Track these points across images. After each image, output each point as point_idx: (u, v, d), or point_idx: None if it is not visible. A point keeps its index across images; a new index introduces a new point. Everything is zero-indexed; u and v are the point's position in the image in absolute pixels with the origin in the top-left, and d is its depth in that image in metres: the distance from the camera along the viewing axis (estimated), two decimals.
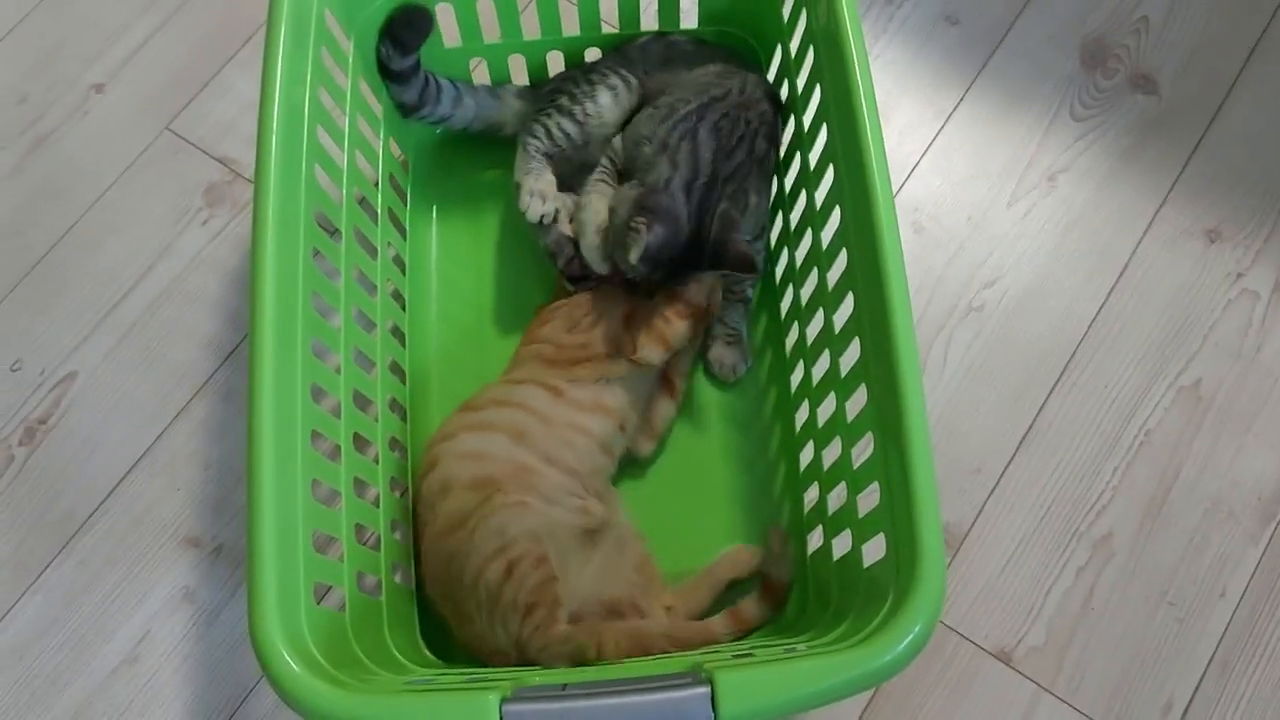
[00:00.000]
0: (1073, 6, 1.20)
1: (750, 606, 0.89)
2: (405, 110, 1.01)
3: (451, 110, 1.03)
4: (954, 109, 1.15)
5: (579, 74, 1.00)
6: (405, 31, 0.94)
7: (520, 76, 1.08)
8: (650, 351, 0.90)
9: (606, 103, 0.97)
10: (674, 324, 0.90)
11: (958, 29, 1.19)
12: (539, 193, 0.95)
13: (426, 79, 1.00)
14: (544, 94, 1.01)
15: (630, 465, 0.97)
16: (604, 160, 0.97)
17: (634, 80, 0.98)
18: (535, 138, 0.98)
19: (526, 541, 0.81)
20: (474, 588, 0.82)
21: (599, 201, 0.93)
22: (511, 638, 0.81)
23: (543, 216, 0.95)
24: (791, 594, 0.92)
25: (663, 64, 0.99)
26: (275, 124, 0.77)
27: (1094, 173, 1.12)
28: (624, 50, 1.02)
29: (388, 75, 0.98)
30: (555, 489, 0.86)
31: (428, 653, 0.89)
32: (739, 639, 0.88)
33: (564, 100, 0.98)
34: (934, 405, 1.02)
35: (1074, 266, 1.08)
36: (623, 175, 0.95)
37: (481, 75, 1.08)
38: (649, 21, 1.04)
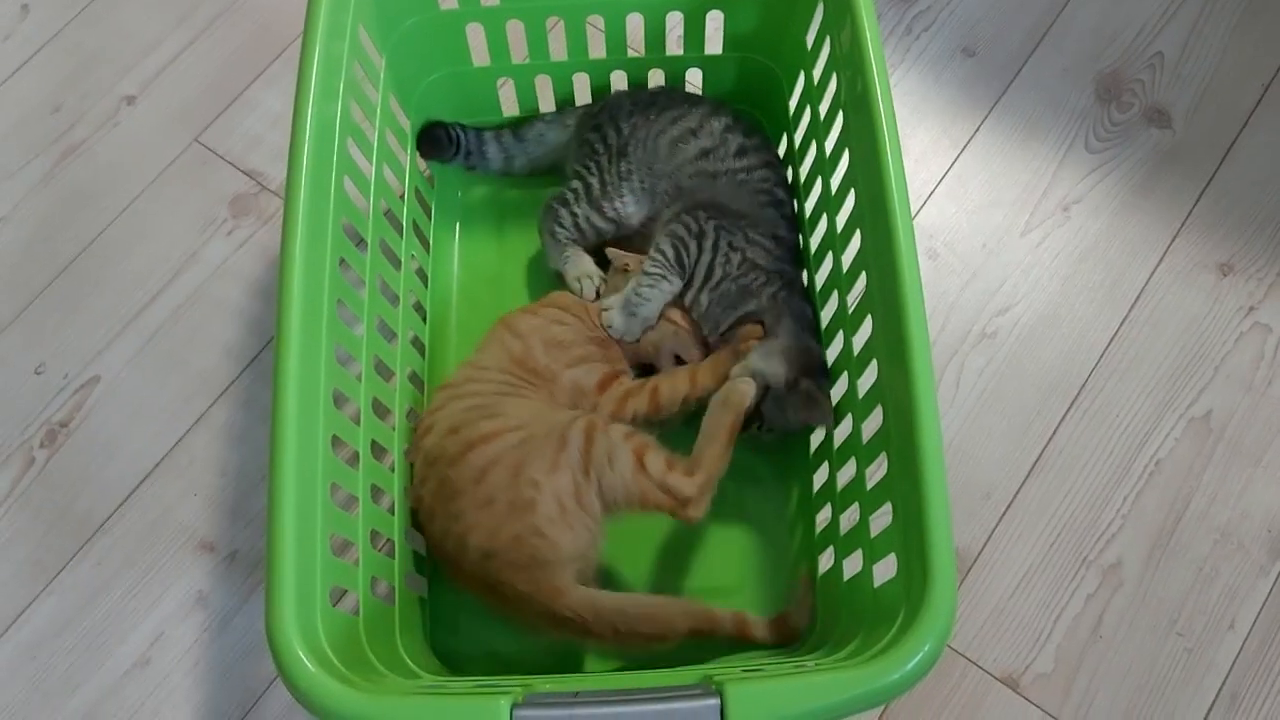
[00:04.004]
0: (1088, 41, 1.22)
1: (759, 624, 0.88)
2: (464, 167, 1.10)
3: (504, 169, 1.10)
4: (970, 138, 1.17)
5: (594, 147, 1.03)
6: (429, 148, 1.07)
7: (546, 96, 1.10)
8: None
9: (630, 201, 1.02)
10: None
11: (974, 61, 1.21)
12: (586, 275, 1.02)
13: (468, 151, 1.08)
14: (573, 156, 1.05)
15: None
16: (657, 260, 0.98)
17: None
18: (562, 226, 1.03)
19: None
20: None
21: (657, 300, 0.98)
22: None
23: (596, 291, 1.02)
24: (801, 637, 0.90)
25: (635, 117, 1.03)
26: (308, 134, 0.79)
27: (1108, 204, 1.13)
28: (608, 107, 1.04)
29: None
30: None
31: (436, 660, 0.89)
32: (734, 644, 0.88)
33: (590, 181, 1.02)
34: (946, 430, 1.02)
35: (1087, 296, 1.09)
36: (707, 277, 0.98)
37: (508, 93, 1.10)
38: (673, 46, 1.06)
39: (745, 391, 0.89)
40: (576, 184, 1.02)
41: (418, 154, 1.06)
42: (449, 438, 0.87)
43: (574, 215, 1.02)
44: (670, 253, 0.96)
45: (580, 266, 1.02)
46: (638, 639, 0.83)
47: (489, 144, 1.08)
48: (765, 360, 0.91)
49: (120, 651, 0.96)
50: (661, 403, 0.91)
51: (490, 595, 0.84)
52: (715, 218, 0.96)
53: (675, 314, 0.98)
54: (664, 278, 0.96)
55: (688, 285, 0.97)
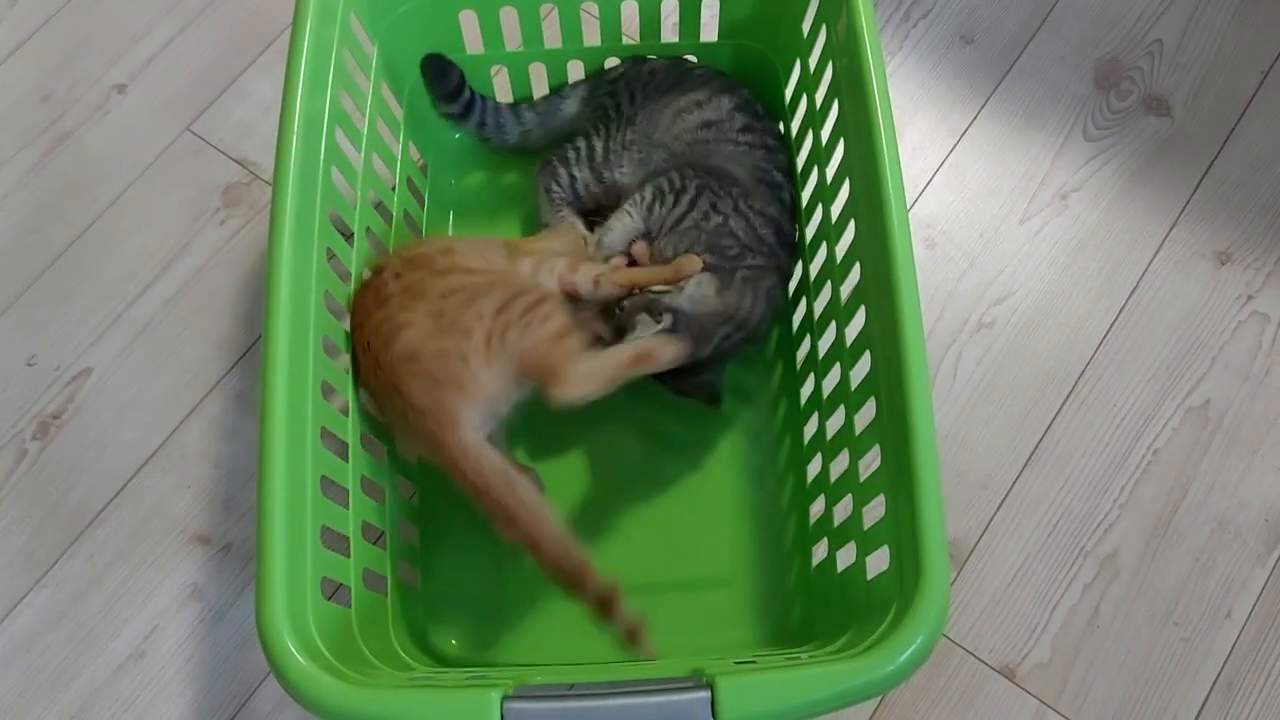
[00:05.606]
0: (1087, 28, 1.21)
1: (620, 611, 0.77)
2: (479, 138, 1.08)
3: (520, 143, 1.08)
4: (967, 127, 1.16)
5: (606, 111, 1.02)
6: (434, 83, 1.02)
7: (540, 85, 1.09)
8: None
9: (628, 172, 1.00)
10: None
11: (972, 48, 1.20)
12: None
13: (483, 119, 1.05)
14: (583, 118, 1.04)
15: (639, 473, 0.97)
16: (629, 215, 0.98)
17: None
18: (559, 185, 1.02)
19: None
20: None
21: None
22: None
23: None
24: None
25: (650, 89, 1.01)
26: (296, 123, 0.78)
27: (1106, 193, 1.13)
28: (626, 75, 1.03)
29: (444, 117, 1.05)
30: None
31: (429, 653, 0.89)
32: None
33: (594, 144, 1.01)
34: (942, 420, 1.02)
35: (1084, 285, 1.08)
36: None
37: (502, 81, 1.09)
38: (669, 33, 1.05)
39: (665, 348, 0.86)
40: (581, 143, 1.01)
41: (437, 99, 1.03)
42: (441, 257, 0.88)
43: (572, 177, 1.01)
44: (649, 197, 0.95)
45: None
46: (499, 514, 0.80)
47: (506, 117, 1.06)
48: (689, 303, 0.89)
49: (114, 645, 0.96)
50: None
51: (387, 397, 0.83)
52: (702, 179, 0.94)
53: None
54: (629, 214, 0.96)
55: (657, 235, 0.95)
